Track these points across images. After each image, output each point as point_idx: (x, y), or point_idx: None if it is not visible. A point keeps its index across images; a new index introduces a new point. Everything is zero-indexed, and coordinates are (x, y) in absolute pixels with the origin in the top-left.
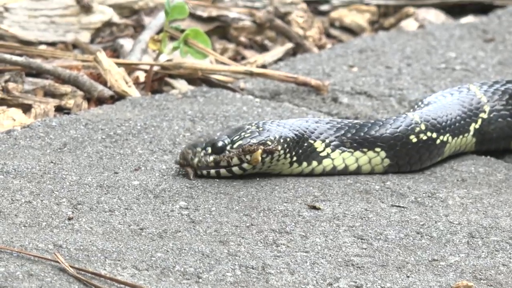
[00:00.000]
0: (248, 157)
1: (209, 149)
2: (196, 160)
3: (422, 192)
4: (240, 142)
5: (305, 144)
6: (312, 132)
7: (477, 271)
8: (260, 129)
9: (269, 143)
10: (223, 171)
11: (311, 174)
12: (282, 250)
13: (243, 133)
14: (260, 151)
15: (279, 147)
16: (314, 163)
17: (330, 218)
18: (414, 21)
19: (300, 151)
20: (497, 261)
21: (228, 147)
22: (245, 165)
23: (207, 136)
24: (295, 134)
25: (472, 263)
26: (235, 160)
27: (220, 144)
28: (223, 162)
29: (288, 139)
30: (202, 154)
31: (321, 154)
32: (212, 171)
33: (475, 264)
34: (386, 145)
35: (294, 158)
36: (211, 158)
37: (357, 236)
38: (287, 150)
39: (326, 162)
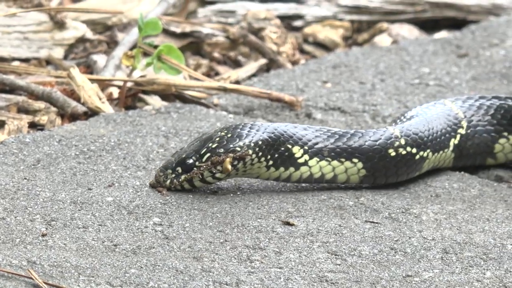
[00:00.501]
0: (219, 167)
1: (179, 169)
2: (168, 182)
3: (396, 208)
4: (208, 154)
5: (282, 148)
6: (291, 137)
7: (451, 287)
8: (229, 135)
9: (238, 149)
10: (197, 183)
11: (288, 180)
12: (256, 266)
13: (210, 144)
14: (229, 159)
15: (250, 152)
16: (292, 169)
17: (304, 234)
18: (388, 37)
19: (277, 155)
20: (471, 276)
21: (197, 163)
22: (218, 175)
23: (178, 154)
24: (270, 137)
25: (446, 279)
26: (206, 174)
27: (189, 162)
28: (195, 179)
29: (260, 142)
30: (173, 175)
31: (299, 161)
32: (187, 185)
33: (449, 280)
34: (364, 156)
35: (271, 162)
36: (182, 177)
37: (331, 252)
38: (260, 153)
39: (304, 169)
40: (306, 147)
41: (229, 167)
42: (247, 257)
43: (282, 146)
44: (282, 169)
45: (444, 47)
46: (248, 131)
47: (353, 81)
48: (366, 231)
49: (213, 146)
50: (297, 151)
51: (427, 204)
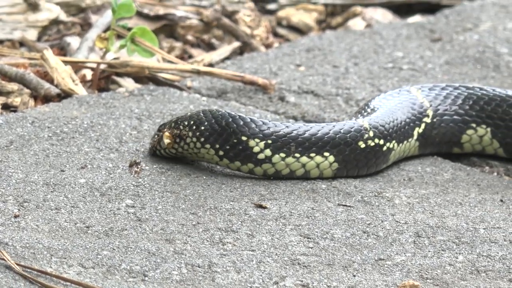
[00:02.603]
0: (162, 142)
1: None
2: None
3: (368, 191)
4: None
5: (234, 140)
6: (249, 129)
7: (424, 271)
8: (188, 114)
9: (181, 127)
10: (162, 152)
11: (253, 174)
12: (228, 249)
13: (175, 117)
14: (167, 133)
15: (190, 134)
16: (250, 165)
17: (276, 217)
18: (361, 21)
19: (228, 146)
20: (444, 260)
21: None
22: (164, 147)
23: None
24: (218, 125)
25: (419, 263)
26: (162, 142)
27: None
28: (158, 143)
29: (203, 128)
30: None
31: (259, 157)
32: (162, 151)
33: (421, 264)
34: (335, 150)
35: (221, 153)
36: (155, 137)
37: (304, 235)
38: (203, 139)
39: (267, 168)
40: (267, 141)
41: (167, 141)
42: (219, 240)
43: (233, 137)
44: (238, 163)
45: (417, 32)
46: (199, 116)
47: (327, 64)
48: (338, 214)
49: (172, 119)
50: (254, 144)
51: (399, 187)
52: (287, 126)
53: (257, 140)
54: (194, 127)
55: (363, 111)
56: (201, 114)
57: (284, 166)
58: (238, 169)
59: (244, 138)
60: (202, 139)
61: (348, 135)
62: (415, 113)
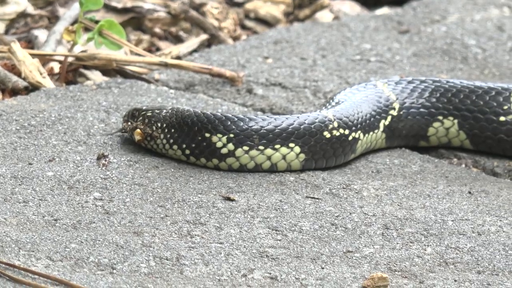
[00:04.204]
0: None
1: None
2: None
3: (336, 183)
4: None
5: (198, 138)
6: (212, 125)
7: (392, 263)
8: (157, 111)
9: (154, 128)
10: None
11: (219, 169)
12: (196, 241)
13: (143, 112)
14: (139, 131)
15: (162, 136)
16: (215, 160)
17: (244, 209)
18: (329, 13)
19: (193, 145)
20: (412, 252)
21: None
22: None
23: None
24: (186, 125)
25: (387, 255)
26: (132, 136)
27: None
28: (127, 131)
29: (173, 131)
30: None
31: (222, 152)
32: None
33: (389, 256)
34: (300, 140)
35: (187, 152)
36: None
37: (272, 227)
38: (172, 141)
39: (231, 162)
40: (230, 135)
41: (138, 137)
42: (187, 232)
43: (198, 135)
44: (203, 160)
45: (385, 23)
46: (171, 120)
47: (294, 57)
48: (307, 207)
49: (142, 112)
50: (216, 140)
51: (368, 180)
52: (249, 119)
53: (219, 135)
54: (166, 130)
55: (328, 104)
56: (174, 118)
57: (249, 160)
58: (204, 165)
59: (207, 134)
60: (171, 141)
61: (312, 125)
62: (381, 106)
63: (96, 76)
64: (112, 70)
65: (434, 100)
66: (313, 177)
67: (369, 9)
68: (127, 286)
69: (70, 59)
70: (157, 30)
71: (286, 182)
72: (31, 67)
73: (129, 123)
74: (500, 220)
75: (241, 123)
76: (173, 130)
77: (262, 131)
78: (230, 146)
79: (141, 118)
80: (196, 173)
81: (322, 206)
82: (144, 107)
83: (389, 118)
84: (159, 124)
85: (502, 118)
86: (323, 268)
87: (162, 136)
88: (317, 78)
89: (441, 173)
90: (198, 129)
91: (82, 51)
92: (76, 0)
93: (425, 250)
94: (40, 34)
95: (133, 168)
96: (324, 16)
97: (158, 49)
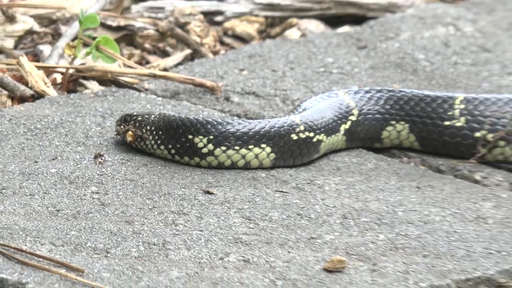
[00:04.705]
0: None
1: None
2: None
3: (302, 179)
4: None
5: (183, 139)
6: (194, 128)
7: (349, 248)
8: (146, 116)
9: (144, 131)
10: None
11: (200, 166)
12: (180, 229)
13: (134, 116)
14: (130, 133)
15: (150, 138)
16: (197, 158)
17: (222, 201)
18: (297, 31)
19: (178, 145)
20: (367, 239)
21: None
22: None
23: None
24: (172, 128)
25: (345, 241)
26: (124, 137)
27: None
28: (122, 134)
29: (161, 133)
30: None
31: (203, 151)
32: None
33: (347, 242)
34: (271, 141)
35: (172, 151)
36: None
37: (245, 217)
38: (159, 142)
39: (210, 160)
40: (210, 137)
41: (129, 139)
42: (172, 221)
43: (182, 137)
44: (186, 158)
45: (346, 40)
46: (159, 123)
47: (266, 69)
48: (276, 199)
49: (133, 117)
50: (198, 141)
51: (329, 176)
52: (227, 123)
53: (200, 137)
54: (155, 133)
55: (296, 110)
56: (161, 122)
57: (226, 158)
58: (187, 163)
59: (190, 136)
60: (159, 142)
61: (282, 128)
62: (342, 112)
63: (93, 86)
64: (107, 80)
65: (388, 107)
66: (282, 173)
67: (332, 28)
68: (120, 267)
69: (71, 71)
70: (147, 45)
71: (258, 178)
72: (37, 78)
73: (122, 127)
74: (444, 211)
75: (220, 126)
76: (160, 133)
77: (237, 133)
78: (210, 146)
79: (132, 122)
80: (180, 170)
81: (289, 198)
82: (135, 113)
83: (348, 123)
84: (148, 127)
85: (447, 123)
86: (289, 252)
87: (151, 137)
88: (286, 87)
89: (393, 170)
90: (182, 131)
91: (81, 64)
92: (76, 19)
93: (378, 237)
94: (45, 49)
95: (125, 166)
96: (292, 33)
97: (147, 62)
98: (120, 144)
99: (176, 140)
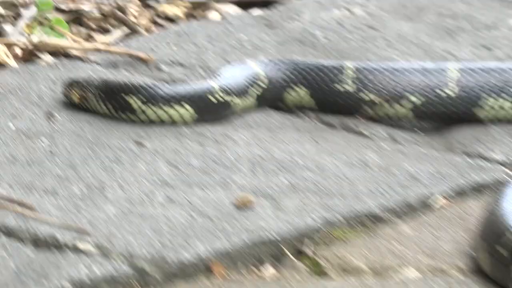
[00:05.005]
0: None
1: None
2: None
3: (218, 133)
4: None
5: (120, 99)
6: (129, 90)
7: (256, 189)
8: (90, 81)
9: (88, 92)
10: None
11: (133, 121)
12: (116, 174)
13: (80, 82)
14: (77, 94)
15: (93, 98)
16: (130, 115)
17: (151, 151)
18: (217, 13)
19: (115, 104)
20: (271, 182)
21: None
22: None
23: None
24: (111, 90)
25: (253, 183)
26: (71, 98)
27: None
28: (69, 96)
29: (101, 93)
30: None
31: (135, 108)
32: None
33: (255, 184)
34: (192, 102)
35: (111, 109)
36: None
37: (170, 164)
38: (100, 101)
39: (141, 116)
40: (141, 97)
41: (76, 100)
42: (110, 167)
43: (118, 97)
44: (121, 114)
45: (258, 21)
46: (101, 86)
47: (191, 44)
48: (196, 150)
49: (84, 79)
50: (132, 101)
51: (241, 130)
52: (156, 86)
53: (134, 97)
54: (97, 92)
55: (214, 77)
56: (102, 85)
57: (155, 115)
58: (122, 118)
59: (125, 96)
60: (100, 101)
61: (202, 91)
62: (252, 78)
63: (47, 58)
64: (59, 53)
65: (290, 74)
66: (201, 128)
67: (246, 11)
68: (65, 205)
69: (29, 46)
70: (92, 25)
71: (182, 132)
72: (0, 52)
73: (70, 89)
74: (335, 159)
75: (150, 89)
76: (102, 93)
77: (164, 95)
78: (142, 105)
79: (78, 86)
80: (117, 125)
81: (208, 149)
82: (80, 78)
83: (258, 87)
84: (91, 90)
85: (339, 87)
86: (206, 192)
87: (93, 98)
88: (206, 59)
89: (294, 126)
90: (119, 93)
91: (38, 40)
92: (34, 4)
93: (280, 180)
94: (8, 28)
95: (72, 122)
96: (213, 15)
97: (92, 38)
98: (68, 104)
99: (114, 100)
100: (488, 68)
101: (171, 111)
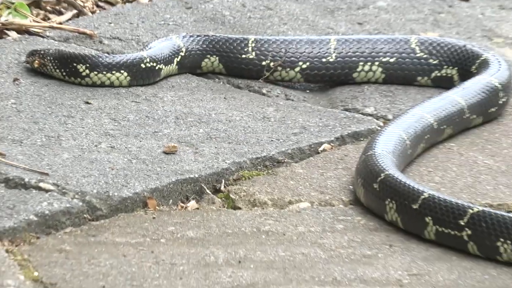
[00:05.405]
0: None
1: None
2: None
3: (149, 93)
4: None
5: (70, 66)
6: (77, 59)
7: (180, 138)
8: (47, 51)
9: (45, 59)
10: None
11: (82, 85)
12: (69, 127)
13: (40, 51)
14: (37, 61)
15: (50, 64)
16: (79, 79)
17: (96, 108)
18: None
19: (67, 70)
20: (191, 132)
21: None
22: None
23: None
24: (64, 59)
25: (177, 134)
26: (32, 65)
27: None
28: (31, 63)
29: (57, 61)
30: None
31: (83, 74)
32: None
33: (179, 134)
34: (128, 68)
35: (64, 74)
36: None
37: (112, 118)
38: (56, 67)
39: (87, 80)
40: (87, 65)
41: (36, 66)
42: (64, 122)
43: (70, 64)
44: (72, 78)
45: (178, 3)
46: (56, 54)
47: (126, 22)
48: (132, 107)
49: (37, 50)
50: (80, 68)
51: (167, 91)
52: (99, 56)
53: (81, 64)
54: (53, 60)
55: (144, 49)
56: (57, 54)
57: (98, 79)
58: (73, 82)
59: (75, 64)
60: (56, 67)
61: (135, 60)
62: (174, 49)
63: (13, 35)
64: (22, 31)
65: (205, 46)
66: (136, 90)
67: None
68: (30, 152)
69: None
70: (48, 8)
71: (120, 93)
72: None
73: (31, 58)
74: (242, 114)
75: (94, 58)
76: (57, 61)
77: (105, 63)
78: (87, 71)
79: (38, 54)
80: (69, 88)
81: (141, 106)
82: (39, 49)
83: (179, 57)
84: (49, 58)
85: (243, 56)
86: (140, 141)
87: (50, 65)
88: (139, 34)
89: (209, 87)
90: (70, 60)
91: (5, 20)
92: None
93: (199, 130)
94: None
95: (34, 86)
96: None
97: (49, 18)
98: (30, 70)
99: (67, 67)
100: (361, 40)
101: (111, 76)
